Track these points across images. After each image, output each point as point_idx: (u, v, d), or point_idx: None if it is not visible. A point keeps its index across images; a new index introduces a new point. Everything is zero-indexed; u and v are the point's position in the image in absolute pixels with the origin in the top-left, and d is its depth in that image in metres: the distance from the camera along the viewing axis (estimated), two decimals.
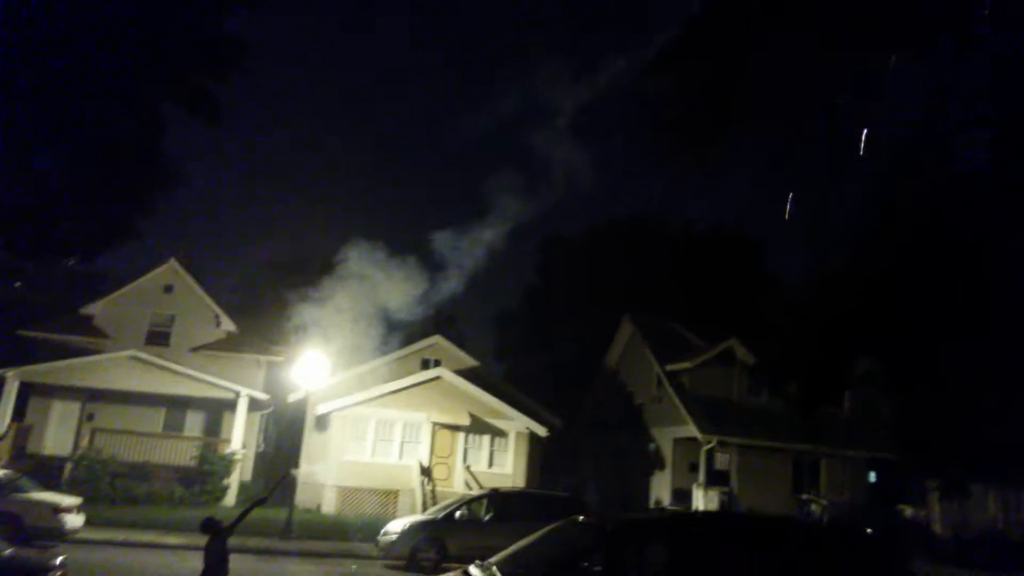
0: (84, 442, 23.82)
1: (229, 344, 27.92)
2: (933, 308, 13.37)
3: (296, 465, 25.58)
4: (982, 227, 12.71)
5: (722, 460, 26.44)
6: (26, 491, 15.37)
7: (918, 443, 19.27)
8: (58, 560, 7.51)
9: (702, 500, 24.94)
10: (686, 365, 27.84)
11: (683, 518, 7.99)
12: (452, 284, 29.70)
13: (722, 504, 24.84)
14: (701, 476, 25.42)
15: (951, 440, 17.16)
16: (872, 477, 26.93)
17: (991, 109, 12.40)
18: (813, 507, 24.86)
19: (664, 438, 28.07)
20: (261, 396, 26.27)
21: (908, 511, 25.05)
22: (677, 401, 26.91)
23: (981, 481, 23.44)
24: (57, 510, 14.91)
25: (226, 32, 15.79)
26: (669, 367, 28.38)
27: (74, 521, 15.30)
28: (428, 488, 23.38)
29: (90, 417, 25.51)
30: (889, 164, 14.52)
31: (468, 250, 29.82)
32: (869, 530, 8.15)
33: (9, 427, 23.54)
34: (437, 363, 27.62)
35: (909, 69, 12.18)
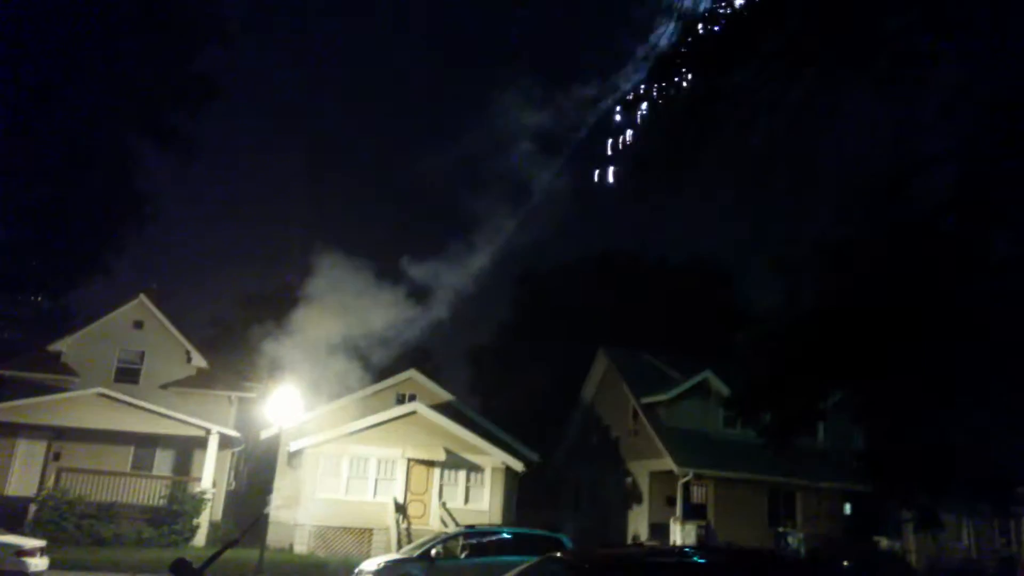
0: (50, 482, 23.20)
1: (199, 381, 27.52)
2: (900, 341, 13.56)
3: (268, 504, 25.12)
4: (944, 261, 12.96)
5: (699, 493, 26.38)
6: None
7: (891, 474, 19.36)
8: None
9: (679, 534, 24.81)
10: (662, 398, 27.88)
11: (659, 554, 7.94)
12: (426, 317, 29.60)
13: (699, 538, 24.72)
14: (678, 510, 25.32)
15: (923, 471, 17.29)
16: (847, 509, 27.00)
17: (952, 144, 12.71)
18: (790, 539, 24.84)
19: (641, 471, 27.98)
20: (232, 434, 25.83)
21: (884, 542, 25.11)
22: (653, 434, 26.90)
23: (954, 512, 23.61)
24: (20, 553, 14.48)
25: (197, 71, 15.83)
26: (645, 400, 28.40)
27: (38, 564, 14.85)
28: (403, 526, 23.03)
29: (56, 456, 24.88)
30: (852, 199, 14.79)
31: (442, 284, 29.79)
32: (846, 563, 8.15)
33: None
34: (412, 398, 27.41)
35: (872, 104, 12.47)
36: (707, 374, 27.89)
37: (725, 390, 27.01)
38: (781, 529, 25.45)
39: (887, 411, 16.22)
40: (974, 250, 12.79)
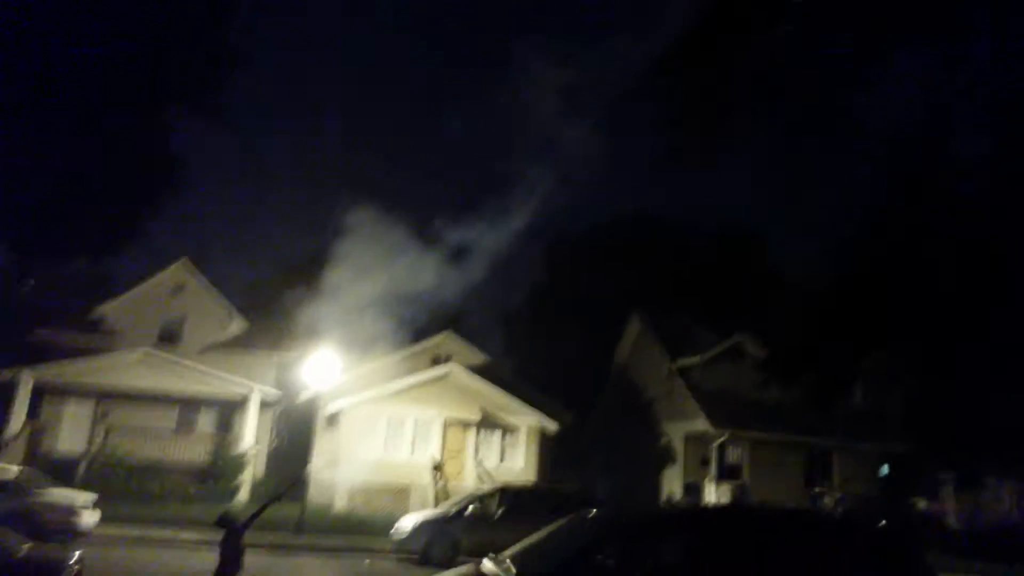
0: (98, 441, 23.98)
1: (240, 342, 28.08)
2: (940, 301, 13.32)
3: (308, 462, 25.71)
4: (984, 222, 12.65)
5: (733, 454, 26.39)
6: (42, 489, 15.49)
7: (931, 435, 19.20)
8: (75, 556, 7.57)
9: (714, 494, 24.92)
10: (696, 360, 27.80)
11: (698, 512, 7.99)
12: (462, 278, 29.69)
13: (734, 498, 24.80)
14: (712, 470, 25.38)
15: (964, 432, 17.11)
16: (885, 470, 26.81)
17: (990, 106, 12.33)
18: (826, 500, 24.78)
19: (675, 433, 28.03)
20: (273, 393, 26.38)
21: (922, 504, 24.94)
22: (687, 395, 26.88)
23: (995, 473, 23.33)
24: (72, 508, 15.02)
25: (227, 39, 15.83)
26: (679, 362, 28.34)
27: (89, 518, 15.40)
28: (440, 484, 23.44)
29: (103, 416, 25.65)
30: (891, 159, 14.47)
31: (477, 244, 29.81)
32: (883, 522, 8.12)
33: (24, 426, 23.72)
34: (448, 359, 27.66)
35: (909, 66, 12.12)
36: (742, 336, 27.72)
37: (760, 352, 26.84)
38: (817, 490, 25.39)
39: (932, 368, 16.01)
40: (1008, 213, 12.48)
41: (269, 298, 37.19)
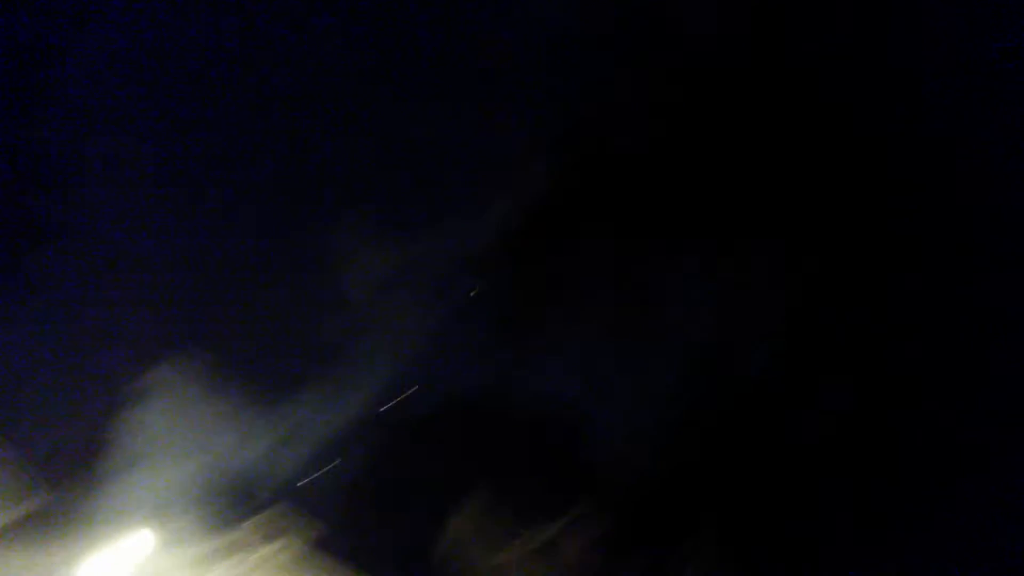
0: None
1: (39, 521, 24.75)
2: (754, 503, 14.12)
3: None
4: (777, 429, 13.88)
5: None
6: None
7: None
8: None
9: None
10: (530, 546, 27.40)
11: None
12: (294, 452, 28.34)
13: None
14: None
15: None
16: None
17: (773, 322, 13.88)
18: None
19: None
20: None
21: None
22: None
23: None
24: None
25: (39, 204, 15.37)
26: (519, 546, 27.83)
27: None
28: None
29: None
30: (688, 369, 15.72)
31: (308, 421, 28.91)
32: None
33: None
34: (281, 536, 25.74)
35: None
36: (555, 529, 27.77)
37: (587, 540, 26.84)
38: None
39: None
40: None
41: (74, 472, 33.46)
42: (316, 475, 35.34)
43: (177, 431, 26.84)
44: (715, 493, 15.76)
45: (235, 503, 27.01)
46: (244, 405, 28.81)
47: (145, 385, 27.71)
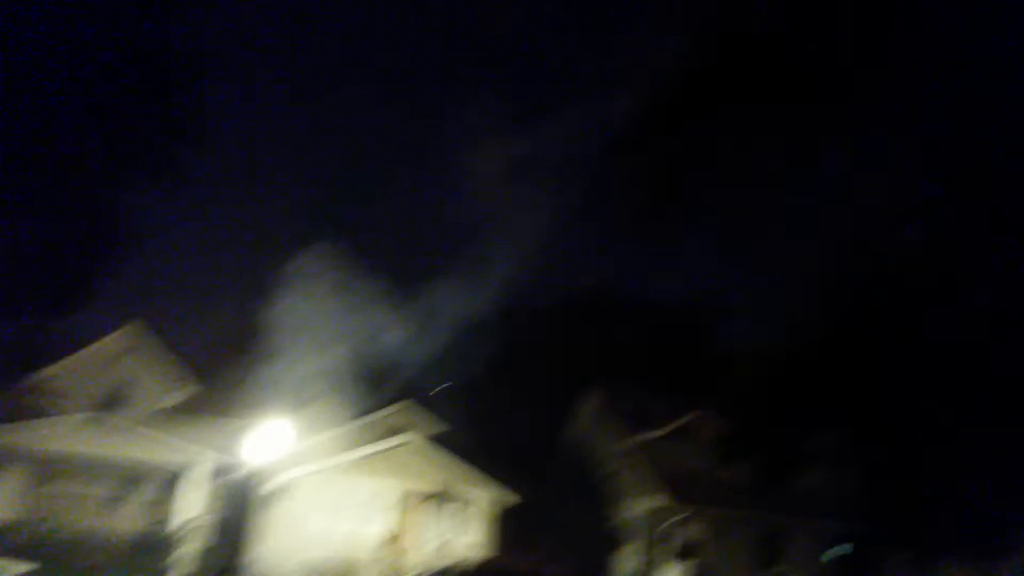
0: (35, 508, 22.83)
1: (188, 408, 27.30)
2: (905, 376, 13.66)
3: (255, 533, 24.79)
4: (948, 292, 13.12)
5: (691, 531, 26.20)
6: None
7: (886, 516, 19.29)
8: None
9: (671, 572, 24.61)
10: (652, 436, 27.85)
11: None
12: (420, 345, 29.60)
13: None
14: (668, 549, 25.12)
15: (921, 514, 17.24)
16: (841, 550, 26.84)
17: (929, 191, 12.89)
18: None
19: (631, 510, 27.79)
20: (220, 462, 25.51)
21: None
22: (643, 472, 26.79)
23: (951, 557, 23.48)
24: None
25: (183, 105, 15.97)
26: (635, 438, 28.34)
27: None
28: (394, 559, 22.76)
29: (41, 483, 24.49)
30: (843, 239, 14.97)
31: (436, 312, 29.89)
32: None
33: None
34: (403, 430, 27.21)
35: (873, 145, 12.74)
36: (698, 413, 27.93)
37: (717, 429, 27.01)
38: (776, 569, 25.26)
39: (889, 450, 16.26)
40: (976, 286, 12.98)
41: (221, 364, 36.43)
42: (443, 385, 36.86)
43: (314, 325, 28.38)
44: (842, 391, 15.33)
45: (365, 395, 28.61)
46: (377, 299, 30.03)
47: (284, 280, 29.53)
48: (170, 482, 25.82)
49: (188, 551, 23.14)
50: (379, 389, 30.86)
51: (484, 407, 45.11)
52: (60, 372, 26.80)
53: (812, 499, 26.06)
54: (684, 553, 25.30)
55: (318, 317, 28.21)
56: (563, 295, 49.58)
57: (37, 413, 25.00)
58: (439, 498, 24.66)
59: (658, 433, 27.76)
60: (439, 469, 24.87)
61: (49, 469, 24.62)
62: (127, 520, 23.51)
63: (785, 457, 19.60)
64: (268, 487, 25.92)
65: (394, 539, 23.52)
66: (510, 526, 26.55)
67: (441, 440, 26.80)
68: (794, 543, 26.47)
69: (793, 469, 20.27)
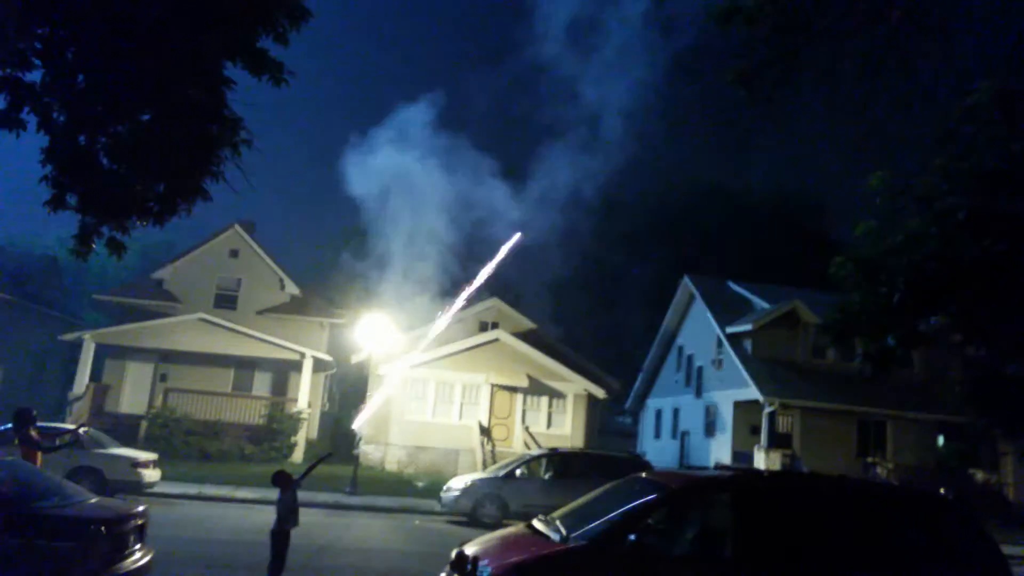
0: (158, 401, 24.82)
1: (293, 307, 28.59)
2: (1006, 263, 12.77)
3: (358, 424, 26.27)
4: None
5: (784, 423, 26.05)
6: (106, 447, 16.08)
7: (992, 405, 18.58)
8: (139, 510, 7.83)
9: (764, 463, 24.67)
10: (748, 327, 27.35)
11: (750, 477, 7.87)
12: (510, 242, 29.64)
13: (784, 467, 24.51)
14: (763, 439, 25.10)
15: None
16: (941, 441, 26.18)
17: None
18: (879, 470, 24.35)
19: (725, 400, 27.77)
20: (325, 357, 26.87)
21: (979, 475, 24.34)
22: (738, 363, 26.52)
23: None
24: (135, 464, 15.58)
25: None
26: (730, 329, 27.91)
27: (151, 475, 15.97)
28: (488, 448, 23.69)
29: (163, 377, 26.50)
30: (964, 117, 13.83)
31: (527, 208, 29.72)
32: (943, 491, 7.92)
33: (88, 387, 24.63)
34: (495, 326, 27.77)
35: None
36: (795, 302, 27.13)
37: (814, 319, 26.19)
38: (870, 460, 24.94)
39: (997, 336, 15.43)
40: None
41: (323, 263, 37.70)
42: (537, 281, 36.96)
43: (414, 223, 28.70)
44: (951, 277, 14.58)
45: (458, 292, 29.01)
46: (485, 180, 30.07)
47: (382, 178, 29.95)
48: (281, 375, 27.45)
49: (300, 439, 24.77)
50: (473, 287, 31.36)
51: (576, 301, 45.40)
52: (173, 273, 28.26)
53: (912, 390, 25.31)
54: (777, 444, 25.24)
55: (417, 217, 28.60)
56: (658, 188, 48.33)
57: (156, 312, 26.71)
58: (530, 391, 25.30)
59: (753, 325, 27.21)
60: (529, 364, 25.38)
61: (170, 364, 26.57)
62: (243, 411, 25.23)
63: (884, 348, 18.95)
64: (370, 379, 27.21)
65: (487, 430, 24.42)
66: (600, 416, 27.09)
67: (530, 336, 27.25)
68: (892, 435, 25.94)
69: (894, 359, 19.61)
